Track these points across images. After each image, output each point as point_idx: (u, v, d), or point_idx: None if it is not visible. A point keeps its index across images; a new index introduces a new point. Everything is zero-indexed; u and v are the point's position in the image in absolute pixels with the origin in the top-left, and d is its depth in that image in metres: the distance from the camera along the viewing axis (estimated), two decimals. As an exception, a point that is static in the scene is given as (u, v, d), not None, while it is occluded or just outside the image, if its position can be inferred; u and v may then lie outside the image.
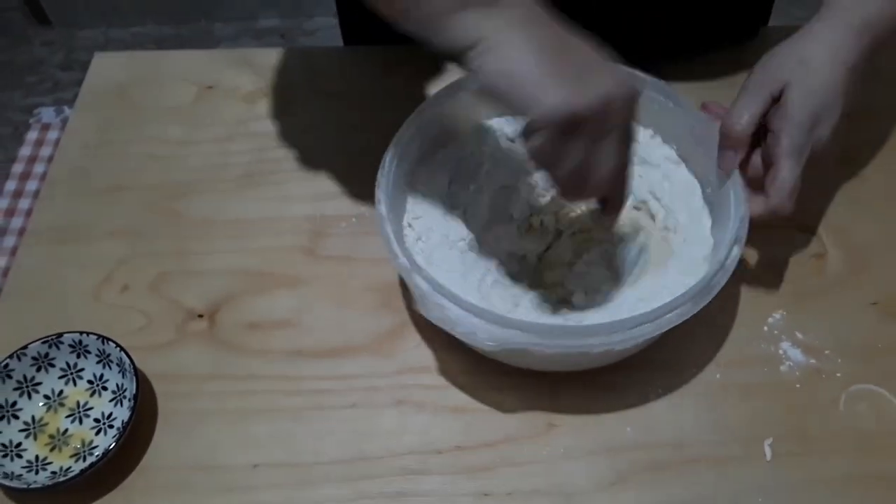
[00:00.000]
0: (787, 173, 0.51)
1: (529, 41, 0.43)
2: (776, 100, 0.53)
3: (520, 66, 0.42)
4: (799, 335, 0.56)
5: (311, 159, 0.70)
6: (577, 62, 0.44)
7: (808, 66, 0.53)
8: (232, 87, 0.76)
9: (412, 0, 0.45)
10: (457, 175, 0.61)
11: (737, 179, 0.54)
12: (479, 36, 0.43)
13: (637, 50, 0.65)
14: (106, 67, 0.80)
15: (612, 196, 0.50)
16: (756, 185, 0.54)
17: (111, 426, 0.54)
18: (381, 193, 0.53)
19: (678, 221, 0.58)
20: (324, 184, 0.68)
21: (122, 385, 0.55)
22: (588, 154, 0.44)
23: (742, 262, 0.50)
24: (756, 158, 0.54)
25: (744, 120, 0.53)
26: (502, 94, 0.43)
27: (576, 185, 0.46)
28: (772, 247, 0.61)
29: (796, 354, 0.55)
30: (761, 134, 0.54)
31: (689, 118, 0.58)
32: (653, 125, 0.61)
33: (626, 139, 0.47)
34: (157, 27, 2.04)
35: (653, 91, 0.58)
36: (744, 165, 0.54)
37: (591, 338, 0.47)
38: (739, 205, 0.52)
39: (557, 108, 0.42)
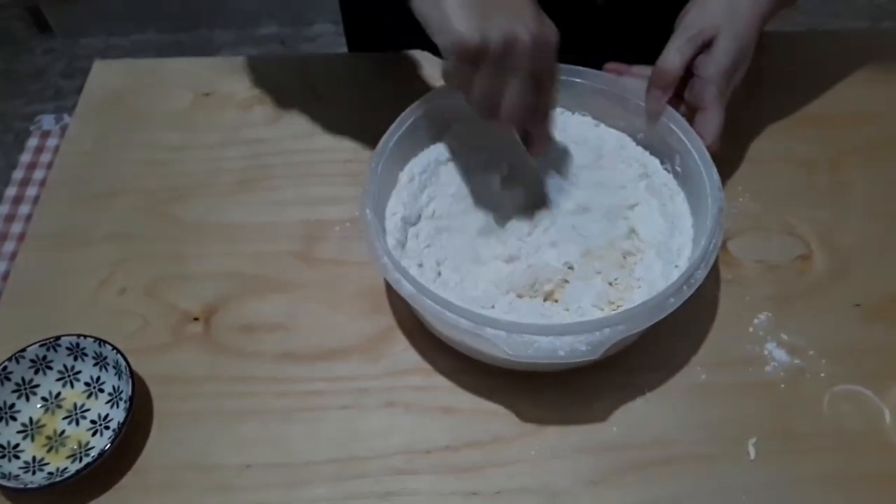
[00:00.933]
0: (717, 117, 0.56)
1: None
2: (707, 45, 0.56)
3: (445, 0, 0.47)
4: (784, 336, 0.57)
5: (305, 164, 0.71)
6: (501, 5, 0.48)
7: (735, 13, 0.56)
8: (228, 94, 0.78)
9: None
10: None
11: (712, 172, 0.55)
12: None
13: (629, 59, 0.66)
14: (105, 75, 0.81)
15: (532, 132, 0.55)
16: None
17: (107, 427, 0.55)
18: (367, 200, 0.55)
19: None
20: (318, 189, 0.69)
21: (119, 387, 0.55)
22: (497, 85, 0.49)
23: (713, 269, 0.51)
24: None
25: (677, 62, 0.57)
26: (423, 19, 0.48)
27: (486, 109, 0.51)
28: (758, 249, 0.62)
29: (781, 355, 0.56)
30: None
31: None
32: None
33: (544, 82, 0.51)
34: (158, 35, 2.05)
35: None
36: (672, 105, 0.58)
37: (563, 337, 0.48)
38: (716, 201, 0.54)
39: (459, 37, 0.46)
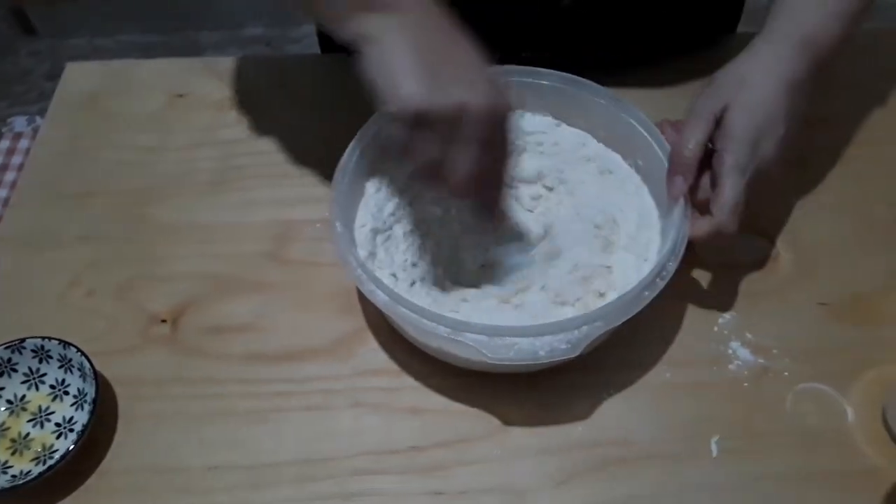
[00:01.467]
0: (729, 191, 0.51)
1: (412, 42, 0.46)
2: (720, 121, 0.54)
3: (393, 61, 0.46)
4: (748, 335, 0.57)
5: (278, 165, 0.71)
6: (451, 68, 0.46)
7: (746, 85, 0.53)
8: (202, 95, 0.77)
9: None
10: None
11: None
12: (373, 35, 0.47)
13: (603, 58, 0.66)
14: (78, 77, 0.81)
15: (484, 201, 0.53)
16: (705, 208, 0.54)
17: (72, 430, 0.55)
18: (335, 212, 0.54)
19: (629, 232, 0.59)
20: (290, 190, 0.69)
21: (84, 389, 0.55)
22: (444, 153, 0.47)
23: (681, 269, 0.51)
24: (705, 181, 0.55)
25: (690, 145, 0.54)
26: (371, 83, 0.47)
27: (432, 177, 0.49)
28: (725, 249, 0.62)
29: (745, 354, 0.56)
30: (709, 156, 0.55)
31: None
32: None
33: (496, 152, 0.49)
34: (143, 36, 2.05)
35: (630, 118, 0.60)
36: (693, 190, 0.55)
37: (530, 339, 0.48)
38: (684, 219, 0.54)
39: (406, 102, 0.45)
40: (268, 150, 0.72)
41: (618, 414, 0.54)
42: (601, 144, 0.63)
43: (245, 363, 0.58)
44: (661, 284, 0.50)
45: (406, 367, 0.57)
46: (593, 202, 0.61)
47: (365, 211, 0.59)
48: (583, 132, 0.64)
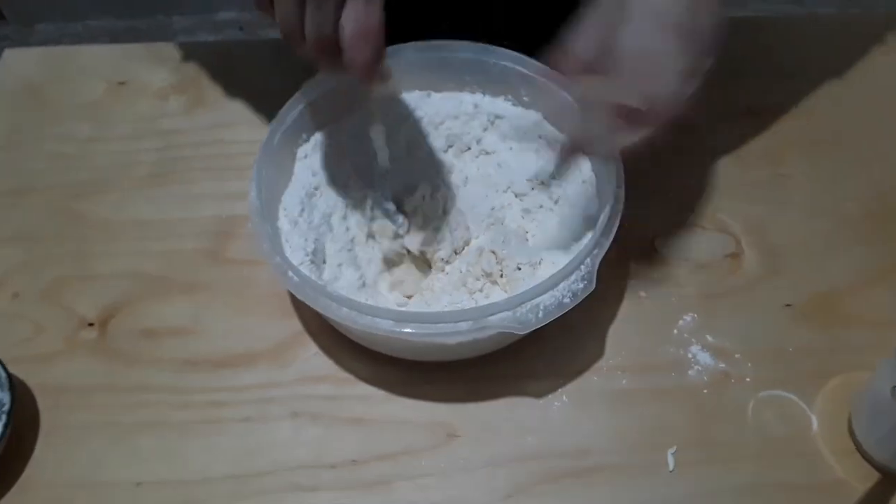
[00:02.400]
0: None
1: None
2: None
3: None
4: (709, 338, 0.54)
5: (223, 157, 0.67)
6: None
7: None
8: (144, 83, 0.74)
9: None
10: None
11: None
12: None
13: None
14: (17, 64, 0.77)
15: (361, 64, 0.44)
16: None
17: (-11, 442, 0.51)
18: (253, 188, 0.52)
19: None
20: (234, 183, 0.65)
21: (1, 398, 0.52)
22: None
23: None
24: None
25: (579, 44, 0.45)
26: None
27: (292, 35, 0.44)
28: (686, 247, 0.59)
29: (706, 358, 0.53)
30: None
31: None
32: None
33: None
34: (115, 21, 1.99)
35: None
36: None
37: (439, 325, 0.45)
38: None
39: None
40: (213, 140, 0.69)
41: (571, 423, 0.51)
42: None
43: (178, 370, 0.55)
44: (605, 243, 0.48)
45: (349, 372, 0.54)
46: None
47: (292, 195, 0.56)
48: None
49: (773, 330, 0.54)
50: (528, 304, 0.45)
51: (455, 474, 0.50)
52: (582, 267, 0.47)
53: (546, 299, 0.46)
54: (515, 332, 0.45)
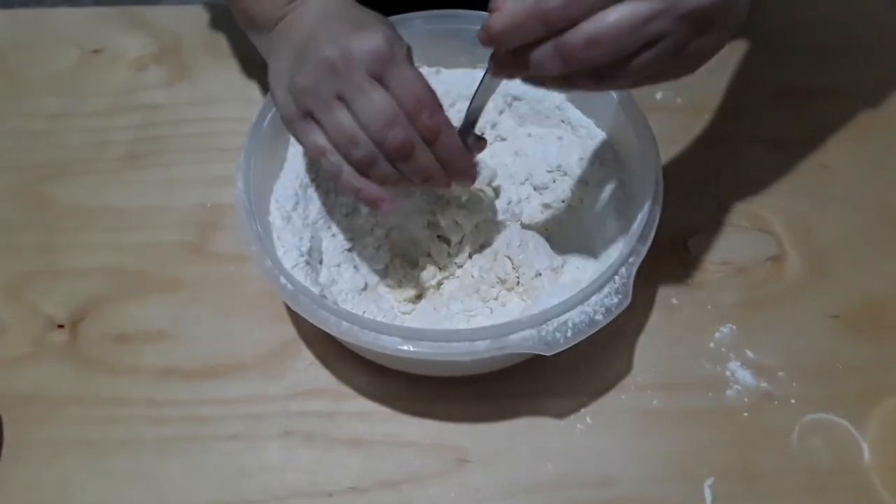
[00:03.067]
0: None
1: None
2: None
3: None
4: (749, 353, 0.49)
5: (206, 136, 0.61)
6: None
7: None
8: (120, 51, 0.67)
9: None
10: None
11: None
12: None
13: None
14: (-19, 28, 0.69)
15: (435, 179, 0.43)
16: None
17: (-55, 461, 0.46)
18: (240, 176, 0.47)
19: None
20: (219, 166, 0.59)
21: (-41, 412, 0.46)
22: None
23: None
24: None
25: None
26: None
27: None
28: (723, 248, 0.53)
29: (746, 377, 0.48)
30: None
31: None
32: None
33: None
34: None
35: None
36: None
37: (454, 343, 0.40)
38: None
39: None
40: (195, 117, 0.62)
41: (594, 449, 0.46)
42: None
43: (157, 380, 0.49)
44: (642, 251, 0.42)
45: (348, 385, 0.49)
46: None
47: (285, 186, 0.50)
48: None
49: (821, 344, 0.49)
50: (555, 322, 0.40)
51: (466, 505, 0.44)
52: (616, 278, 0.41)
53: (575, 316, 0.40)
54: (540, 354, 0.40)
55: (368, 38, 0.41)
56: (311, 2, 0.46)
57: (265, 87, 0.61)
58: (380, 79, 0.41)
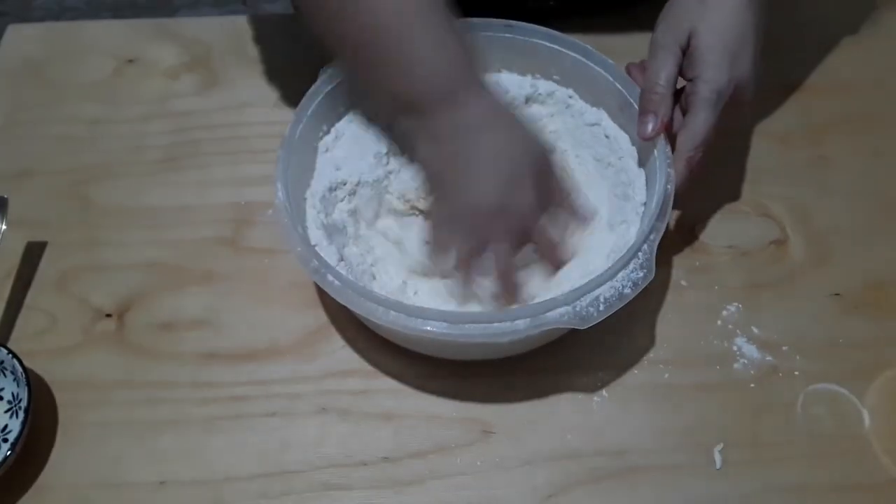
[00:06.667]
0: (702, 123, 0.48)
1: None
2: (685, 50, 0.50)
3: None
4: (755, 330, 0.52)
5: (237, 140, 0.65)
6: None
7: (708, 5, 0.49)
8: (154, 61, 0.70)
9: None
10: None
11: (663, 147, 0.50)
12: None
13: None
14: (20, 41, 0.74)
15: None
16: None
17: (5, 440, 0.49)
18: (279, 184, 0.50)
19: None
20: (250, 167, 0.62)
21: (18, 394, 0.49)
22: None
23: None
24: (678, 116, 0.51)
25: (661, 80, 0.49)
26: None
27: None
28: (728, 233, 0.56)
29: (751, 351, 0.51)
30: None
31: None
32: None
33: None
34: (115, -6, 1.94)
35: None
36: (669, 129, 0.51)
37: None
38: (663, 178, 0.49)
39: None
40: (227, 122, 0.66)
41: (610, 421, 0.49)
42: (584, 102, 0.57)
43: (199, 364, 0.52)
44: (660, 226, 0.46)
45: (378, 367, 0.52)
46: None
47: (319, 180, 0.53)
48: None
49: (822, 321, 0.52)
50: (588, 297, 0.43)
51: (491, 473, 0.48)
52: (640, 254, 0.44)
53: (605, 291, 0.44)
54: (576, 328, 0.43)
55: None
56: (471, 105, 0.48)
57: (290, 92, 0.65)
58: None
